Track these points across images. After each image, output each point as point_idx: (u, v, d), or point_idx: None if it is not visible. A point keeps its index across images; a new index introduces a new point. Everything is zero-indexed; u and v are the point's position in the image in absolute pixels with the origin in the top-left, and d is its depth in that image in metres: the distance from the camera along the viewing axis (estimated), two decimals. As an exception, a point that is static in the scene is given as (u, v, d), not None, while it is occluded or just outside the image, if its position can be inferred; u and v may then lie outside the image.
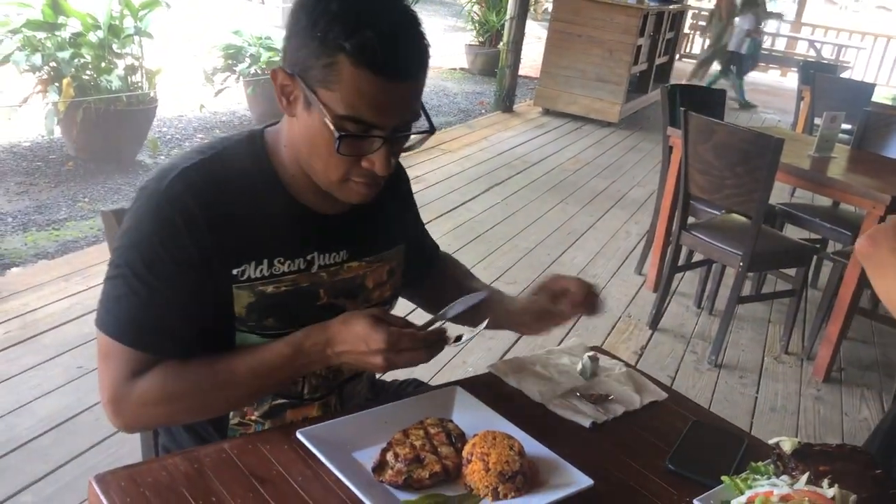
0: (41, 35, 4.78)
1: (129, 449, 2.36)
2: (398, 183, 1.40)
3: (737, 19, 9.62)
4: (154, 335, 1.13)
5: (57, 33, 4.81)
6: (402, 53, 1.05)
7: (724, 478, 1.11)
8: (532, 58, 9.64)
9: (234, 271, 1.16)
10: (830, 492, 1.02)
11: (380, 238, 1.32)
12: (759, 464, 1.13)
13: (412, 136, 1.15)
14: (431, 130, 1.16)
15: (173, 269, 1.12)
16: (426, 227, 1.56)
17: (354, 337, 1.12)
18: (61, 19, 4.83)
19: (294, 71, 1.08)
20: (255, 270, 1.17)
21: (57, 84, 4.71)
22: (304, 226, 1.22)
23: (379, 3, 1.07)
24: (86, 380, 2.69)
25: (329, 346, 1.14)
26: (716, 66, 10.13)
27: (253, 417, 1.28)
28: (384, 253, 1.33)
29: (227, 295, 1.16)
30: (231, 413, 1.27)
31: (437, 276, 1.52)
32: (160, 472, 1.02)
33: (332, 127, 1.06)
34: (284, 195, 1.20)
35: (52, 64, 4.74)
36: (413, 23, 1.08)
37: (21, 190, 4.58)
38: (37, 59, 4.69)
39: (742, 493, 1.07)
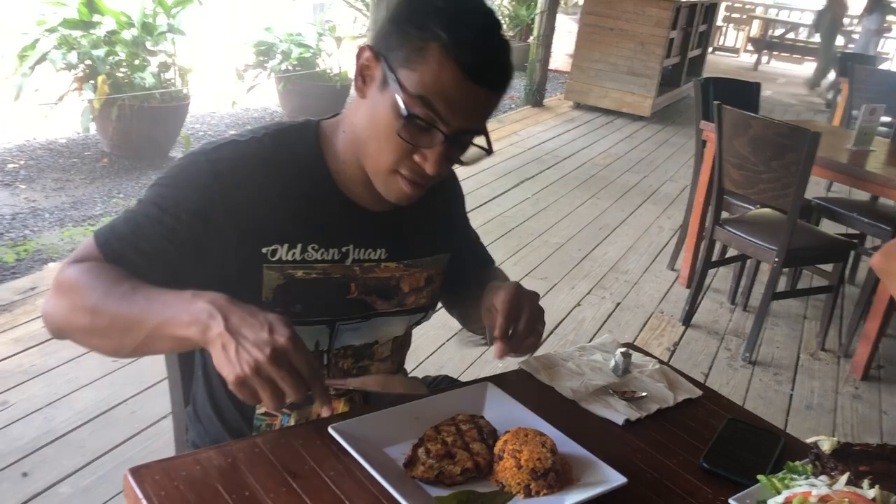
0: (77, 33, 4.85)
1: (164, 441, 2.40)
2: (451, 194, 1.41)
3: (862, 19, 9.36)
4: (120, 244, 1.10)
5: (92, 31, 4.88)
6: (490, 62, 1.07)
7: (760, 477, 1.09)
8: (562, 52, 9.58)
9: (264, 250, 1.16)
10: (871, 493, 1.00)
11: (421, 243, 1.32)
12: (797, 463, 1.11)
13: (469, 151, 1.15)
14: (489, 151, 1.17)
15: (173, 210, 1.10)
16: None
17: (260, 317, 0.97)
18: (96, 18, 4.90)
19: (380, 50, 1.09)
20: (287, 253, 1.18)
21: (92, 82, 4.78)
22: (344, 217, 1.22)
23: (483, 15, 1.10)
24: (120, 373, 2.73)
25: (227, 309, 0.98)
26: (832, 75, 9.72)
27: None
28: (424, 259, 1.32)
29: (256, 273, 1.17)
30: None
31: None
32: (194, 466, 1.02)
33: (401, 104, 1.06)
34: (329, 184, 1.21)
35: (88, 62, 4.81)
36: (507, 46, 1.10)
37: (58, 186, 4.66)
38: (73, 57, 4.76)
39: (779, 492, 1.05)
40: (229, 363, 0.95)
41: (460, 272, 1.43)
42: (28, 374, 2.69)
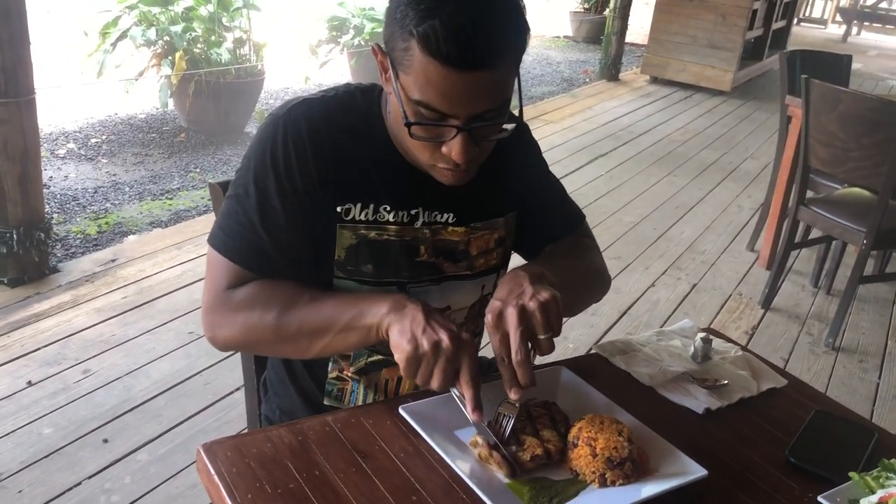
0: (156, 10, 4.94)
1: (237, 413, 2.45)
2: (521, 148, 1.34)
3: None
4: (254, 251, 1.15)
5: (170, 8, 4.97)
6: (472, 43, 0.98)
7: (851, 474, 1.03)
8: (639, 24, 9.35)
9: (339, 209, 1.17)
10: (977, 496, 0.93)
11: (489, 205, 1.28)
12: (893, 461, 1.04)
13: (502, 123, 1.09)
14: (519, 122, 1.12)
15: (282, 195, 1.14)
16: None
17: (449, 322, 1.05)
18: (175, -6, 4.99)
19: (387, 49, 1.07)
20: (360, 213, 1.18)
21: (170, 58, 4.88)
22: (412, 180, 1.20)
23: None
24: (196, 345, 2.79)
25: (422, 302, 1.07)
26: None
27: (349, 373, 1.28)
28: (493, 221, 1.29)
29: (330, 232, 1.18)
30: (330, 366, 1.28)
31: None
32: (265, 444, 1.02)
33: (403, 111, 1.05)
34: (392, 149, 1.20)
35: (166, 38, 4.91)
36: (493, 7, 1.00)
37: (137, 161, 4.78)
38: (151, 33, 4.86)
39: (873, 492, 0.99)
40: (413, 336, 1.02)
41: (540, 229, 1.36)
42: (108, 343, 2.78)
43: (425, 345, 1.01)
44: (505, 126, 1.10)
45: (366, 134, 1.19)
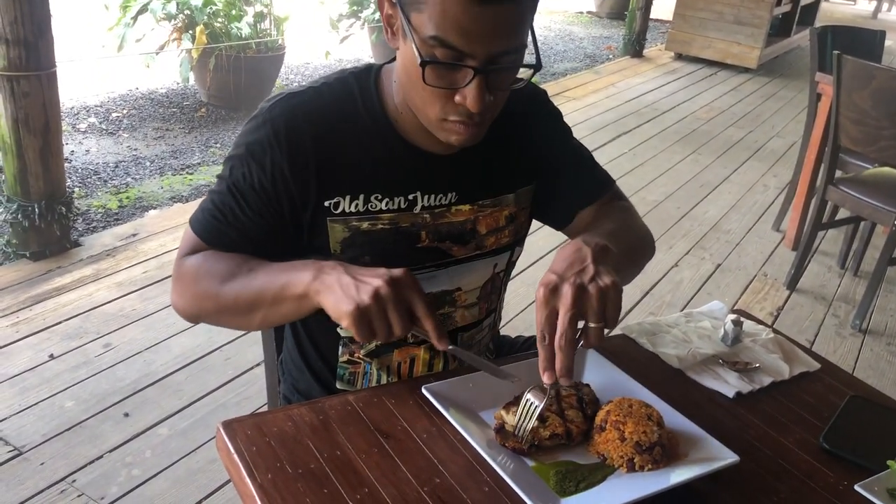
0: (176, -17, 4.92)
1: (257, 388, 2.44)
2: (538, 118, 1.29)
3: None
4: (218, 231, 1.15)
5: (191, -19, 4.94)
6: None
7: (890, 462, 1.00)
8: (664, 0, 9.17)
9: (326, 203, 1.14)
10: None
11: (497, 181, 1.23)
12: (933, 449, 1.00)
13: (517, 70, 1.04)
14: (538, 66, 1.04)
15: (250, 188, 1.12)
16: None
17: (376, 270, 1.00)
18: (195, -33, 4.95)
19: None
20: (350, 205, 1.14)
21: (191, 32, 4.86)
22: (408, 164, 1.16)
23: None
24: (217, 320, 2.79)
25: (345, 264, 1.03)
26: None
27: (360, 356, 1.26)
28: (502, 196, 1.24)
29: (321, 227, 1.15)
30: (340, 350, 1.25)
31: (589, 218, 1.30)
32: (286, 423, 1.00)
33: (416, 52, 0.98)
34: (390, 131, 1.15)
35: (187, 12, 4.88)
36: None
37: (158, 135, 4.78)
38: (172, 7, 4.84)
39: (912, 481, 0.95)
40: (348, 297, 0.97)
41: (561, 201, 1.31)
42: (129, 318, 2.78)
43: (365, 299, 0.96)
44: (520, 76, 1.05)
45: (356, 121, 1.14)
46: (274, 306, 1.08)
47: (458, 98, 1.01)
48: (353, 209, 1.15)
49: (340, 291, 0.98)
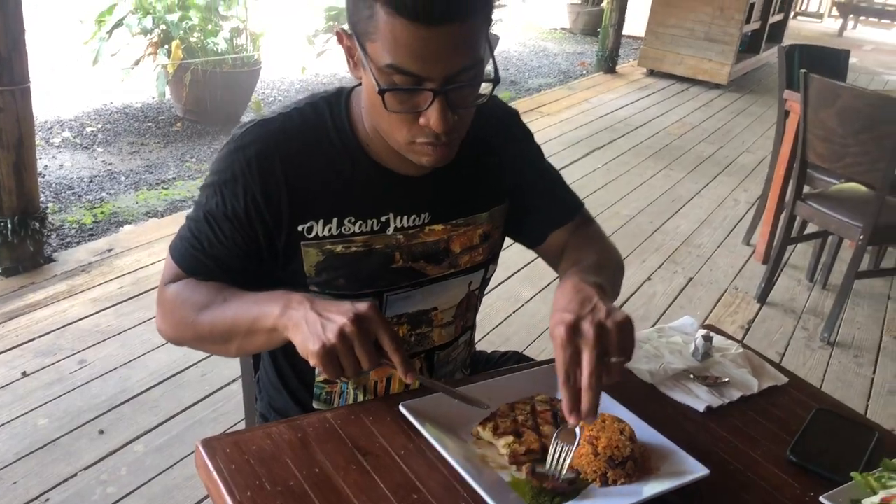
0: (152, -2, 4.91)
1: (234, 404, 2.44)
2: (509, 137, 1.32)
3: None
4: (190, 254, 1.17)
5: (167, -4, 4.94)
6: None
7: (853, 474, 1.03)
8: (637, 17, 9.30)
9: (300, 227, 1.15)
10: (979, 497, 0.93)
11: (470, 200, 1.25)
12: (895, 461, 1.04)
13: (479, 86, 1.06)
14: (496, 80, 1.06)
15: (224, 216, 1.14)
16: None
17: (345, 302, 1.01)
18: (171, -18, 4.95)
19: (351, 29, 1.04)
20: (324, 229, 1.16)
21: (167, 46, 4.85)
22: (380, 186, 1.18)
23: None
24: (193, 336, 2.78)
25: (312, 299, 1.03)
26: None
27: None
28: (476, 216, 1.26)
29: (295, 251, 1.16)
30: (317, 369, 1.26)
31: (562, 240, 1.34)
32: (265, 441, 1.02)
33: (374, 81, 1.00)
34: (361, 154, 1.17)
35: (162, 27, 4.87)
36: None
37: (133, 150, 4.75)
38: (148, 21, 4.83)
39: (875, 492, 0.99)
40: (314, 336, 0.98)
41: (533, 220, 1.34)
42: (105, 334, 2.77)
43: (331, 338, 0.97)
44: (482, 92, 1.07)
45: (331, 144, 1.16)
46: (248, 338, 1.10)
47: (422, 120, 1.03)
48: (326, 233, 1.16)
49: (307, 329, 0.99)
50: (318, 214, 1.15)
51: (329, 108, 1.18)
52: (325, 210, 1.16)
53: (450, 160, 1.11)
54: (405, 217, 1.20)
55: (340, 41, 1.08)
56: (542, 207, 1.34)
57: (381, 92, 1.00)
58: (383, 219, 1.18)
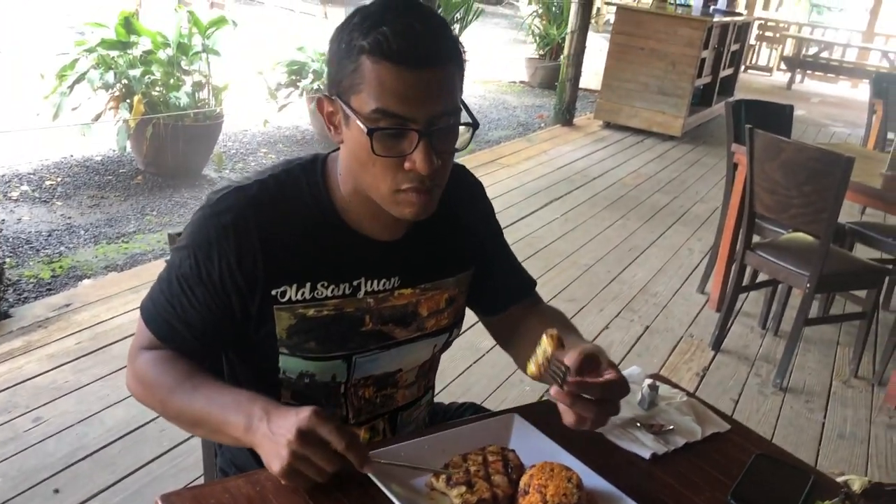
0: (114, 53, 4.95)
1: (193, 459, 2.42)
2: (474, 207, 1.39)
3: None
4: (165, 322, 1.20)
5: (129, 52, 4.98)
6: (420, 41, 1.05)
7: (789, 516, 1.08)
8: (593, 70, 9.58)
9: (274, 292, 1.18)
10: (903, 536, 0.99)
11: (438, 265, 1.31)
12: (827, 502, 1.09)
13: (457, 134, 1.14)
14: (475, 124, 1.15)
15: (198, 281, 1.17)
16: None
17: (292, 411, 1.04)
18: (133, 38, 5.00)
19: (332, 93, 1.11)
20: (297, 293, 1.19)
21: (128, 101, 4.88)
22: (354, 251, 1.22)
23: (396, 5, 1.08)
24: (152, 391, 2.76)
25: (272, 412, 1.07)
26: None
27: None
28: (443, 280, 1.32)
29: (268, 314, 1.19)
30: None
31: (519, 315, 1.43)
32: (223, 495, 1.04)
33: (361, 125, 1.07)
34: (336, 219, 1.21)
35: (124, 81, 4.91)
36: (431, 17, 1.09)
37: (93, 203, 4.74)
38: (110, 76, 4.86)
39: (808, 533, 1.04)
40: (276, 457, 1.02)
41: (493, 291, 1.42)
42: (61, 390, 2.74)
43: (286, 458, 1.01)
44: (461, 133, 1.14)
45: (303, 211, 1.19)
46: (214, 435, 1.16)
47: (407, 164, 1.09)
48: (299, 297, 1.19)
49: (269, 447, 1.04)
50: (292, 279, 1.18)
51: (305, 174, 1.22)
52: (299, 274, 1.19)
53: (430, 214, 1.16)
54: (376, 281, 1.24)
55: (321, 108, 1.14)
56: (503, 280, 1.43)
57: (370, 132, 1.06)
58: (355, 283, 1.22)
